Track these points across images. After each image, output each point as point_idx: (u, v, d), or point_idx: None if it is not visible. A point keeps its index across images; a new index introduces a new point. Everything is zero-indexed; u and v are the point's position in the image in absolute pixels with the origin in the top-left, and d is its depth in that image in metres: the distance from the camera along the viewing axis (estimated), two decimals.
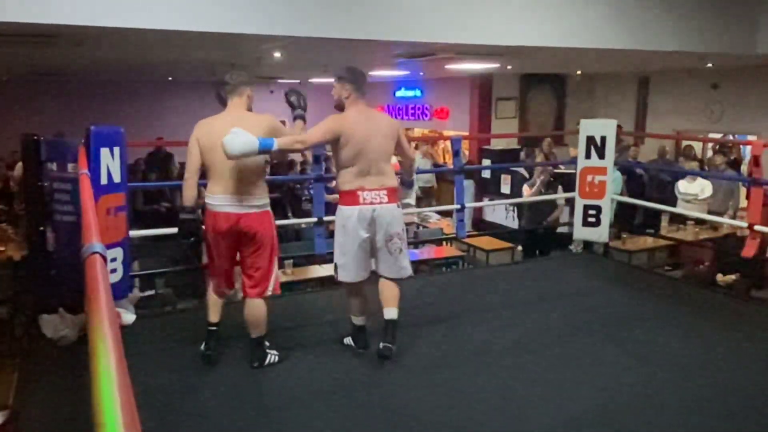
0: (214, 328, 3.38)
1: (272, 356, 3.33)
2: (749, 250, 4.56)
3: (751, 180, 4.68)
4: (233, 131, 2.95)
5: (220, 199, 3.14)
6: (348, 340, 3.55)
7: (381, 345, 3.25)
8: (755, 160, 4.60)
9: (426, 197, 10.86)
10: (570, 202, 6.57)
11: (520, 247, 7.79)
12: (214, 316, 3.39)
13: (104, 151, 3.40)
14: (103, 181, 3.40)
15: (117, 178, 3.48)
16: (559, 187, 7.15)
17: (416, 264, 6.91)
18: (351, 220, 3.22)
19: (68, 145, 3.55)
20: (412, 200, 3.95)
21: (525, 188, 7.26)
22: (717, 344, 3.64)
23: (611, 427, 2.75)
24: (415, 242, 7.70)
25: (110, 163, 3.43)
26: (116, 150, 3.47)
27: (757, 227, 4.49)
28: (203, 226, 3.28)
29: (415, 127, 14.29)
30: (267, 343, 3.36)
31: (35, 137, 3.62)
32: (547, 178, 7.13)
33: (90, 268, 1.23)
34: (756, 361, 3.40)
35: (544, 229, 7.08)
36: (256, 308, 3.26)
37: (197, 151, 3.16)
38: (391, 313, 3.32)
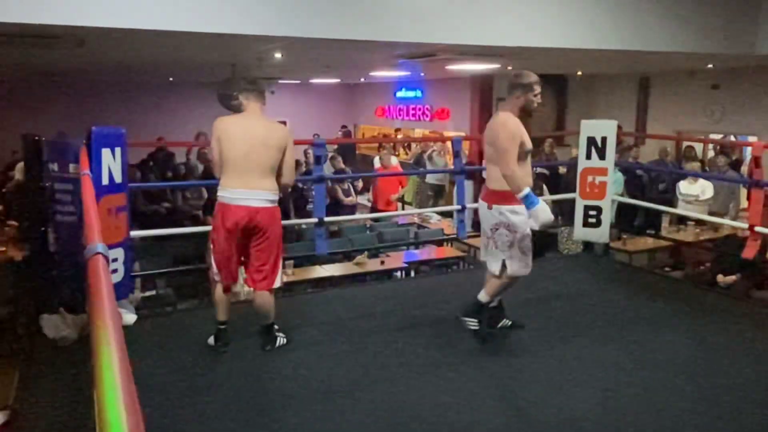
0: (224, 326, 3.50)
1: (281, 338, 3.55)
2: (750, 251, 4.56)
3: (752, 181, 4.68)
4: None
5: (236, 193, 3.23)
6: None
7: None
8: (755, 161, 4.60)
9: (437, 196, 10.80)
10: (558, 203, 6.58)
11: None
12: (223, 314, 3.49)
13: (105, 152, 3.42)
14: (105, 181, 3.41)
15: (118, 179, 3.50)
16: (544, 187, 7.18)
17: (417, 264, 6.94)
18: None
19: (70, 146, 3.56)
20: (531, 223, 3.32)
21: None
22: (717, 345, 3.64)
23: (611, 428, 2.75)
24: (416, 243, 7.72)
25: (111, 163, 3.44)
26: (117, 150, 3.49)
27: (757, 228, 4.49)
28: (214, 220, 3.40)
29: (415, 127, 14.30)
30: (276, 327, 3.56)
31: (36, 138, 3.63)
32: (534, 179, 7.16)
33: (92, 269, 1.24)
34: (756, 362, 3.40)
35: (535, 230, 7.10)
36: (265, 299, 3.41)
37: (218, 146, 3.29)
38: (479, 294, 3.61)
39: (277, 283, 3.42)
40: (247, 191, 3.22)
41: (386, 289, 5.12)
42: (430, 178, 10.61)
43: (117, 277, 3.53)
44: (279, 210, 3.37)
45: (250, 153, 3.21)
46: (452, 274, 6.54)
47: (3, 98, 12.40)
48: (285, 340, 3.56)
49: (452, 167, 6.36)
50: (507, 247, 3.40)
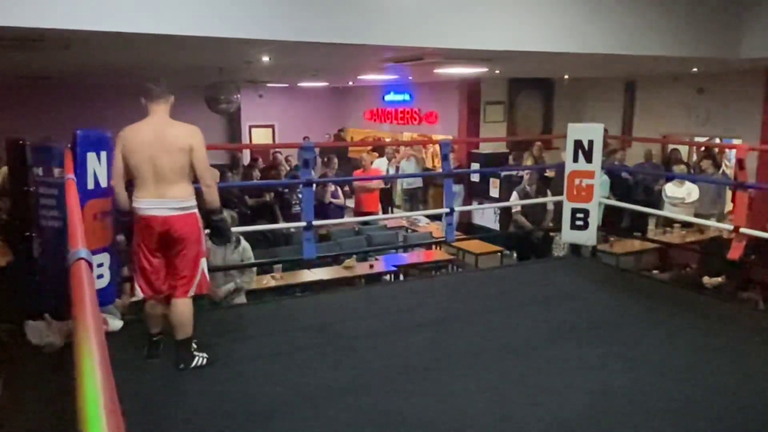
0: (157, 338, 3.41)
1: (201, 359, 3.31)
2: (735, 253, 4.60)
3: (737, 183, 4.72)
4: None
5: (146, 203, 3.16)
6: None
7: None
8: (740, 164, 4.64)
9: (412, 200, 10.85)
10: (556, 206, 6.62)
11: (514, 254, 7.81)
12: (155, 327, 3.40)
13: (91, 156, 3.38)
14: (90, 185, 3.37)
15: (104, 183, 3.46)
16: (548, 192, 7.21)
17: (406, 268, 6.94)
18: None
19: (54, 150, 3.52)
20: None
21: (514, 194, 7.29)
22: (704, 346, 3.67)
23: (600, 429, 2.76)
24: (405, 246, 7.72)
25: (97, 167, 3.40)
26: (103, 154, 3.45)
27: (742, 230, 4.53)
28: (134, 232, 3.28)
29: (404, 131, 14.32)
30: (195, 345, 3.35)
31: (21, 142, 3.59)
32: (537, 183, 7.19)
33: (75, 274, 1.22)
34: (743, 362, 3.43)
35: (540, 233, 7.13)
36: (182, 307, 3.26)
37: (121, 157, 3.21)
38: None
39: (193, 291, 3.28)
40: (159, 200, 3.14)
41: (375, 293, 5.12)
42: (404, 184, 10.74)
43: (103, 283, 3.49)
44: (195, 215, 3.26)
45: (154, 160, 3.12)
46: (441, 277, 6.54)
47: None
48: (205, 360, 3.31)
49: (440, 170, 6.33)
50: None
